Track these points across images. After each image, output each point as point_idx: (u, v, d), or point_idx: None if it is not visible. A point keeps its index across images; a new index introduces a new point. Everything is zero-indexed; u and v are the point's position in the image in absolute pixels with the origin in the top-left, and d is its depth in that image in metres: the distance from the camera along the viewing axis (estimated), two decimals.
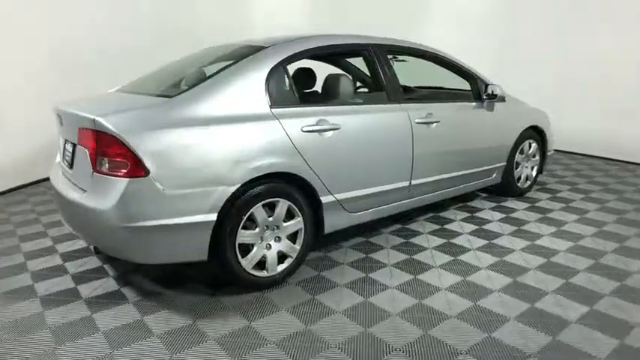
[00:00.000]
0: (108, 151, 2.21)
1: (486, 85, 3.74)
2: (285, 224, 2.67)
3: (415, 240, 3.33)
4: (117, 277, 2.79)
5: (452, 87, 4.02)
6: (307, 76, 3.35)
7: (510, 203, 4.19)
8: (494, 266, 2.91)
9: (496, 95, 3.72)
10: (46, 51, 4.64)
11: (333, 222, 2.92)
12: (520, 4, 6.80)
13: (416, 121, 3.22)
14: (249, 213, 2.49)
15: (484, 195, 4.42)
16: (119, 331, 2.25)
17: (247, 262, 2.55)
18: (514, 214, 3.90)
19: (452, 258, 3.04)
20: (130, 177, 2.19)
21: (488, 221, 3.73)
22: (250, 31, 5.50)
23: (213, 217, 2.36)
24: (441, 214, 3.87)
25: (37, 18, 4.50)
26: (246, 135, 2.45)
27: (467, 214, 3.88)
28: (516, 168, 4.25)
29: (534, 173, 4.46)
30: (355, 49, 3.18)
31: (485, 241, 3.32)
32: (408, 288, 2.65)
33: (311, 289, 2.67)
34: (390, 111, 3.13)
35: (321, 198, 2.79)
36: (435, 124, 3.35)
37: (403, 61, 3.88)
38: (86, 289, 2.65)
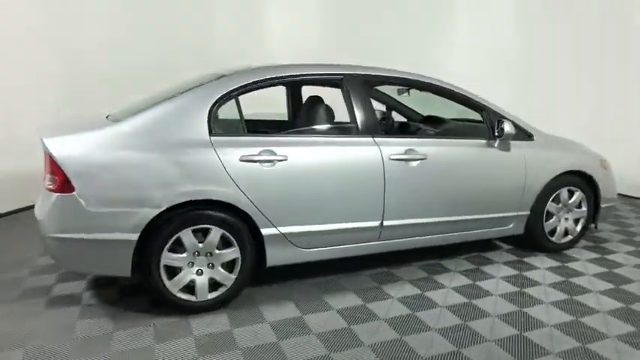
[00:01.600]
0: (50, 168, 2.47)
1: (498, 121, 3.28)
2: (218, 252, 2.67)
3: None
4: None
5: (463, 121, 3.63)
6: (316, 105, 3.26)
7: (534, 259, 3.57)
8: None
9: (508, 132, 3.23)
10: (62, 70, 4.86)
11: (277, 255, 2.82)
12: (561, 31, 5.83)
13: (390, 157, 2.97)
14: (175, 237, 2.55)
15: (507, 247, 3.84)
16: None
17: (173, 285, 2.60)
18: (528, 273, 3.31)
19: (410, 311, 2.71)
20: (59, 192, 2.42)
21: (490, 276, 3.23)
22: (270, 55, 5.30)
23: (135, 237, 2.47)
24: (441, 262, 3.47)
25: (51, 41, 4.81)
26: (176, 160, 2.53)
27: (470, 266, 3.41)
28: (548, 219, 3.61)
29: (579, 227, 3.74)
30: (325, 79, 3.08)
31: (463, 300, 2.88)
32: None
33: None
34: (356, 145, 2.94)
35: (262, 230, 2.73)
36: (418, 162, 3.05)
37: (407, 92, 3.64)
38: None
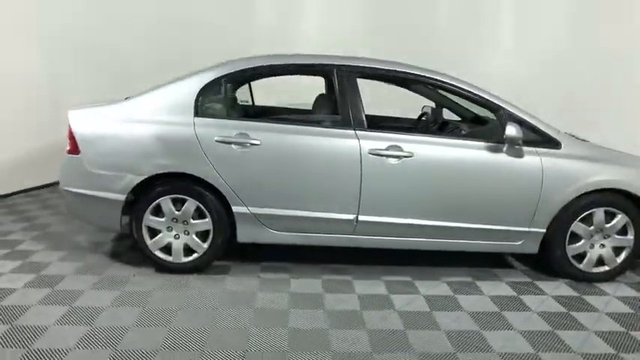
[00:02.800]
0: (68, 134, 3.03)
1: (503, 123, 2.94)
2: (193, 221, 2.97)
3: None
4: None
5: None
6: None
7: (546, 284, 3.13)
8: None
9: (512, 136, 2.88)
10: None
11: (248, 233, 3.02)
12: None
13: (369, 151, 2.91)
14: (155, 203, 2.92)
15: (524, 267, 3.40)
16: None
17: (153, 244, 2.99)
18: (525, 297, 2.93)
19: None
20: (70, 154, 2.97)
21: (472, 293, 2.96)
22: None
23: (122, 197, 2.91)
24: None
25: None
26: (161, 136, 2.88)
27: (466, 279, 3.15)
28: (574, 242, 3.12)
29: (622, 258, 3.15)
30: (315, 70, 3.11)
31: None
32: None
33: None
34: (333, 136, 2.94)
35: (233, 207, 2.95)
36: (402, 159, 2.93)
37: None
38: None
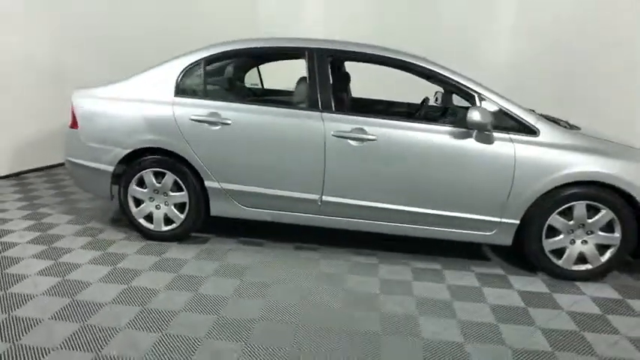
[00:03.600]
0: (71, 110, 3.39)
1: (467, 107, 2.82)
2: (172, 194, 3.22)
3: None
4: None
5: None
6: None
7: (517, 279, 2.98)
8: None
9: (474, 121, 2.77)
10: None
11: (220, 208, 3.20)
12: None
13: (332, 133, 2.96)
14: (138, 175, 3.20)
15: (499, 259, 3.24)
16: None
17: (137, 212, 3.28)
18: (489, 289, 2.83)
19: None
20: (71, 128, 3.33)
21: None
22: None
23: (111, 169, 3.22)
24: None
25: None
26: (144, 113, 3.14)
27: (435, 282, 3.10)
28: (554, 235, 2.94)
29: (606, 257, 2.92)
30: (288, 53, 3.18)
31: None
32: None
33: None
34: (299, 117, 3.01)
35: (206, 182, 3.15)
36: (366, 142, 2.94)
37: None
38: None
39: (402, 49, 3.26)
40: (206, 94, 3.20)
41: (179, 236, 3.30)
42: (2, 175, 4.78)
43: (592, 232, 2.90)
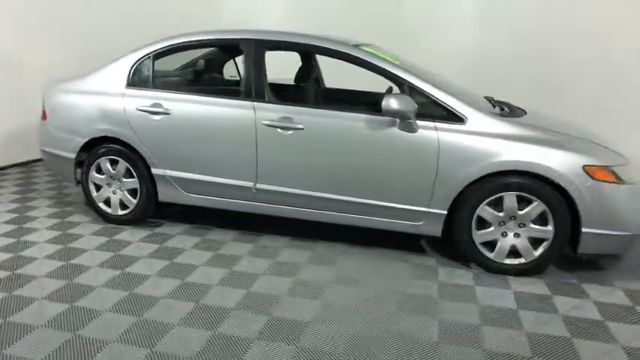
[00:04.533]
0: (42, 103, 3.70)
1: (384, 94, 2.79)
2: (124, 180, 3.44)
3: None
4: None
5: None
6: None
7: (460, 277, 2.90)
8: None
9: (389, 109, 2.73)
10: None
11: (166, 194, 3.38)
12: None
13: (263, 122, 3.03)
14: (96, 162, 3.45)
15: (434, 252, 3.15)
16: None
17: (97, 196, 3.54)
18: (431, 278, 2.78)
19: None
20: (42, 119, 3.65)
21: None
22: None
23: (73, 156, 3.50)
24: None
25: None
26: (100, 105, 3.38)
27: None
28: (485, 227, 2.84)
29: (539, 252, 2.78)
30: (226, 44, 3.27)
31: None
32: None
33: None
34: (232, 107, 3.11)
35: (152, 169, 3.34)
36: (294, 131, 2.99)
37: None
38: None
39: (357, 36, 3.28)
40: (153, 86, 3.38)
41: (133, 220, 3.51)
42: None
43: (524, 225, 2.77)
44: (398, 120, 2.83)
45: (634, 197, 2.72)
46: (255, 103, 3.09)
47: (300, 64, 4.05)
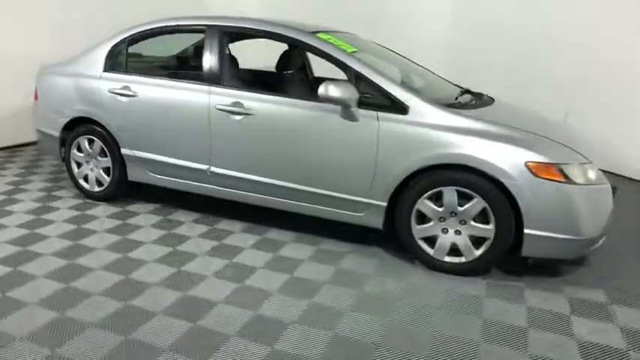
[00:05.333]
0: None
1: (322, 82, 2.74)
2: (100, 159, 3.63)
3: None
4: None
5: None
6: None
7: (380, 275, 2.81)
8: None
9: (326, 96, 2.67)
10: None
11: (134, 173, 3.53)
12: None
13: (217, 107, 3.08)
14: (75, 141, 3.67)
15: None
16: None
17: (77, 173, 3.76)
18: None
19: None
20: (34, 101, 3.92)
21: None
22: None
23: (57, 134, 3.74)
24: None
25: None
26: (79, 87, 3.59)
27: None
28: (425, 222, 2.72)
29: (481, 250, 2.63)
30: (193, 29, 3.33)
31: None
32: None
33: None
34: (189, 90, 3.18)
35: (122, 149, 3.50)
36: (244, 116, 3.02)
37: None
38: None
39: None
40: (125, 70, 3.52)
41: (107, 197, 3.69)
42: None
43: (465, 222, 2.63)
44: (340, 108, 2.78)
45: (588, 199, 2.50)
46: (211, 87, 3.14)
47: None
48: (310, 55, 4.17)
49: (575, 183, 2.46)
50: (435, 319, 2.30)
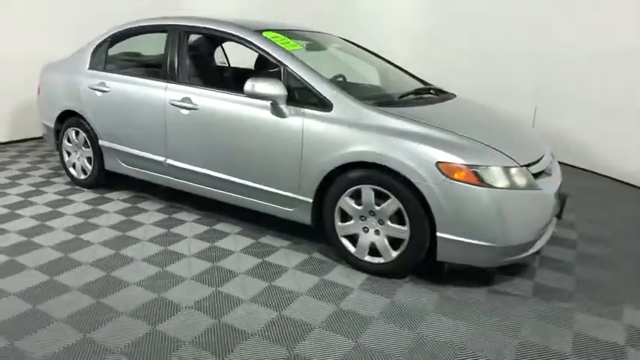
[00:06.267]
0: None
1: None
2: (84, 149, 3.95)
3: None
4: None
5: None
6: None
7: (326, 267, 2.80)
8: None
9: (250, 92, 2.75)
10: None
11: (109, 163, 3.80)
12: None
13: (170, 102, 3.25)
14: (65, 132, 4.02)
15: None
16: None
17: (67, 162, 4.11)
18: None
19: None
20: (37, 95, 4.33)
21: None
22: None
23: (52, 125, 4.11)
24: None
25: None
26: (68, 83, 3.93)
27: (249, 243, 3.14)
28: (349, 219, 2.70)
29: (398, 252, 2.57)
30: (158, 30, 3.51)
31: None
32: None
33: None
34: (150, 86, 3.37)
35: (99, 141, 3.78)
36: (191, 111, 3.16)
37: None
38: None
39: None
40: (104, 68, 3.80)
41: (91, 184, 4.00)
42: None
43: (383, 222, 2.59)
44: (270, 104, 2.83)
45: (509, 204, 2.36)
46: (168, 84, 3.32)
47: None
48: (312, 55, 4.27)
49: (491, 186, 2.33)
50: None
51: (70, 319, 2.22)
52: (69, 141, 4.04)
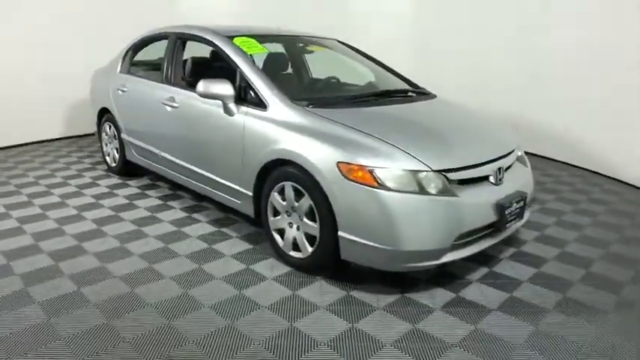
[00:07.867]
0: None
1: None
2: (114, 140, 4.59)
3: None
4: None
5: None
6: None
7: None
8: None
9: (201, 93, 3.00)
10: None
11: (130, 154, 4.36)
12: None
13: (161, 101, 3.68)
14: (102, 126, 4.71)
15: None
16: None
17: (105, 151, 4.80)
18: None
19: None
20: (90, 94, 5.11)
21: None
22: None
23: (96, 120, 4.84)
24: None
25: None
26: (104, 84, 4.60)
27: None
28: (277, 215, 2.84)
29: (313, 248, 2.63)
30: (161, 37, 3.95)
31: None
32: None
33: None
34: (154, 88, 3.82)
35: (121, 134, 4.37)
36: (173, 109, 3.55)
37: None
38: None
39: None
40: (128, 71, 4.38)
41: (121, 172, 4.62)
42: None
43: (302, 219, 2.68)
44: (222, 102, 3.08)
45: (411, 208, 2.32)
46: (162, 84, 3.76)
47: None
48: (309, 57, 4.51)
49: (388, 189, 2.31)
50: None
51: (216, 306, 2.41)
52: (105, 134, 4.73)
